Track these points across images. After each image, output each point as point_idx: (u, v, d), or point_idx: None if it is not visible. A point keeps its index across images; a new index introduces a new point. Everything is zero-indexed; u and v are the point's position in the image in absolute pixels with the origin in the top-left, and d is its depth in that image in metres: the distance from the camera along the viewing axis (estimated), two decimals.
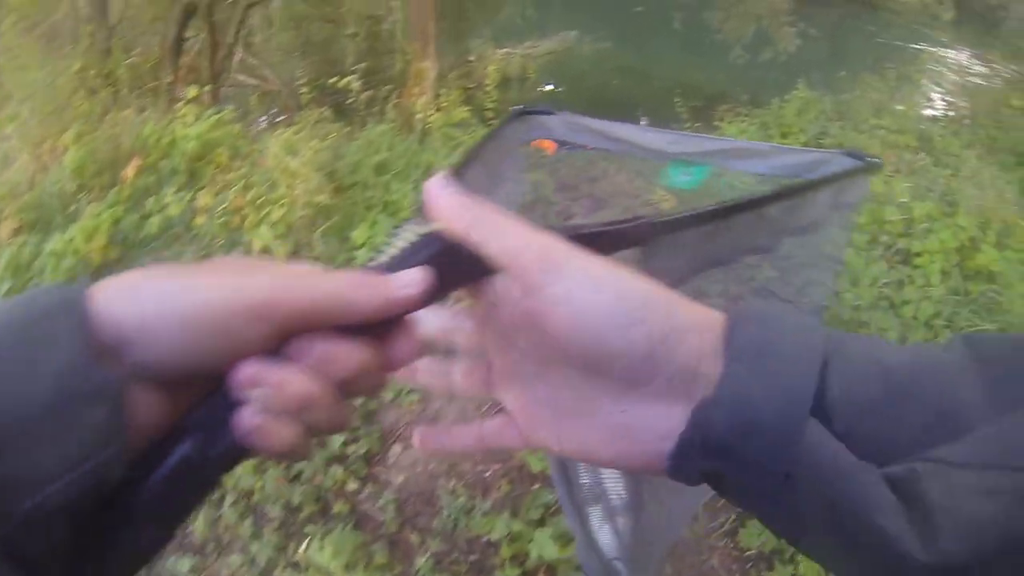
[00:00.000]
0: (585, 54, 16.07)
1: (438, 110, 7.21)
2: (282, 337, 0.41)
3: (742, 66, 13.65)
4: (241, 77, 11.95)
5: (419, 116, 6.56)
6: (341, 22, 11.91)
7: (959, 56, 24.75)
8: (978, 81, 16.90)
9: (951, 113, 10.57)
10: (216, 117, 5.90)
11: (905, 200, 5.01)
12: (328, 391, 0.42)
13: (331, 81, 7.24)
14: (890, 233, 4.92)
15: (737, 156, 1.40)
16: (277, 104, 12.87)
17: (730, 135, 6.85)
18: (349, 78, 7.15)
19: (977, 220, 4.93)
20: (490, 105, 8.09)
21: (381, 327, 0.44)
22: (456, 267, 0.45)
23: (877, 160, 1.19)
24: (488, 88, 8.07)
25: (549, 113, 1.43)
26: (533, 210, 4.93)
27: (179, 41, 9.89)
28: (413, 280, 0.43)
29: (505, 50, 15.81)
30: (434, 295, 0.45)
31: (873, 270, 4.56)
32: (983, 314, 4.39)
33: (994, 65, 18.13)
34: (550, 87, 15.91)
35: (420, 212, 0.49)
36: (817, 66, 19.75)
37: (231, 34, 9.94)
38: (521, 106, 1.41)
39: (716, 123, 7.47)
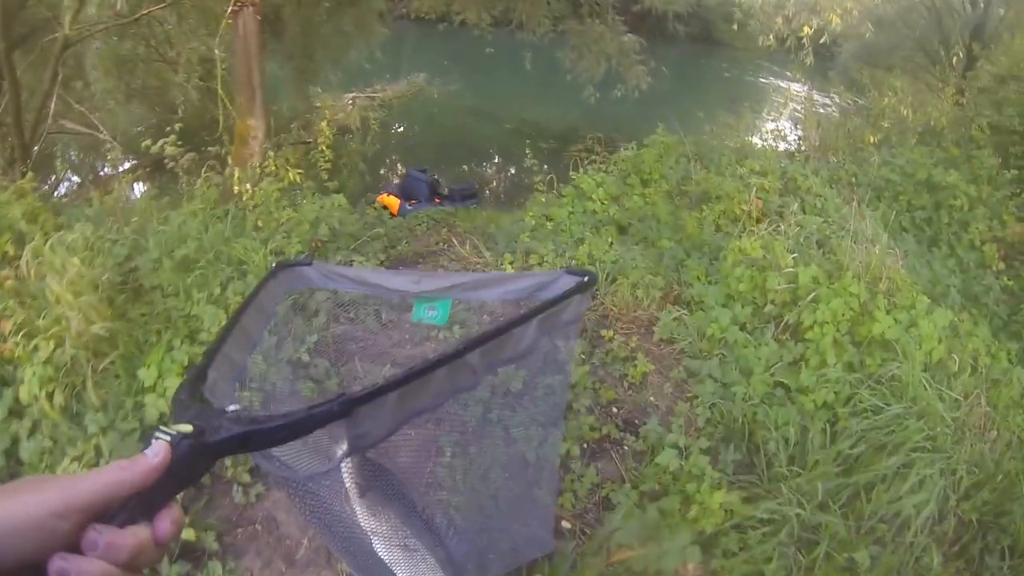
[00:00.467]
0: (435, 97, 15.44)
1: (264, 174, 6.23)
2: (83, 525, 0.60)
3: (594, 105, 13.19)
4: (70, 124, 10.59)
5: (237, 189, 5.52)
6: (174, 66, 10.60)
7: (802, 88, 25.74)
8: (823, 111, 17.35)
9: (804, 147, 10.33)
10: None
11: (791, 268, 4.36)
12: (116, 570, 0.60)
13: (144, 144, 6.13)
14: (775, 303, 4.28)
15: (472, 288, 1.51)
16: (105, 158, 11.47)
17: (587, 189, 6.17)
18: (164, 141, 6.07)
19: (865, 280, 4.37)
20: (324, 164, 7.17)
21: (154, 509, 0.65)
22: (187, 468, 0.69)
23: (588, 278, 1.30)
24: (322, 146, 7.14)
25: (307, 264, 1.49)
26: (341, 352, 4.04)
27: None
28: (158, 450, 0.67)
29: (352, 94, 15.01)
30: (181, 475, 0.69)
31: (763, 352, 3.88)
32: (886, 393, 3.79)
33: (833, 95, 18.71)
34: (399, 128, 15.26)
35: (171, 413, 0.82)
36: (670, 103, 19.89)
37: (47, 79, 8.55)
38: (281, 261, 1.50)
39: (572, 174, 6.78)
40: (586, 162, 7.19)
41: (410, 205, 8.97)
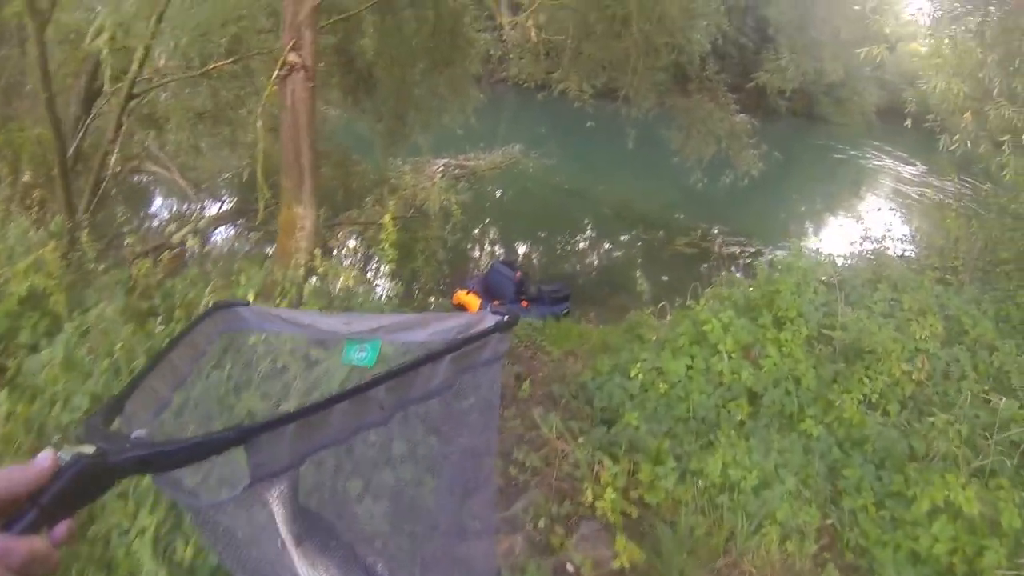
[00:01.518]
0: (530, 170, 14.20)
1: (308, 275, 5.13)
2: None
3: (699, 189, 11.84)
4: (155, 168, 9.72)
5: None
6: (242, 124, 9.61)
7: (913, 171, 23.88)
8: (948, 201, 15.56)
9: (954, 263, 8.52)
10: None
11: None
12: (10, 575, 0.61)
13: (167, 230, 5.10)
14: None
15: (401, 328, 1.47)
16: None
17: (711, 333, 4.77)
18: (186, 230, 5.04)
19: None
20: (389, 261, 5.94)
21: (52, 523, 0.68)
22: (87, 486, 0.71)
23: (508, 318, 1.23)
24: (385, 244, 5.85)
25: (244, 305, 1.43)
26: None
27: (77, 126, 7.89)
28: (46, 456, 0.69)
29: (443, 160, 13.94)
30: (80, 492, 0.70)
31: None
32: None
33: (949, 182, 16.75)
34: (489, 203, 14.16)
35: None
36: (779, 188, 18.43)
37: (111, 130, 7.78)
38: (218, 301, 1.56)
39: (690, 303, 5.46)
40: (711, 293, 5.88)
41: (495, 310, 7.67)
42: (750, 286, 5.67)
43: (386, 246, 5.82)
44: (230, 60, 7.64)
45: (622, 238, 13.77)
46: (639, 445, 3.75)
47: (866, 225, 9.35)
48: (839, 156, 26.00)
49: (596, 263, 12.84)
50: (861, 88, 31.04)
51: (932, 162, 24.29)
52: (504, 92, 19.30)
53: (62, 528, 0.69)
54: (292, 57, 5.15)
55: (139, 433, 0.89)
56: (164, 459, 0.75)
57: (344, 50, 10.12)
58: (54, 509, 0.67)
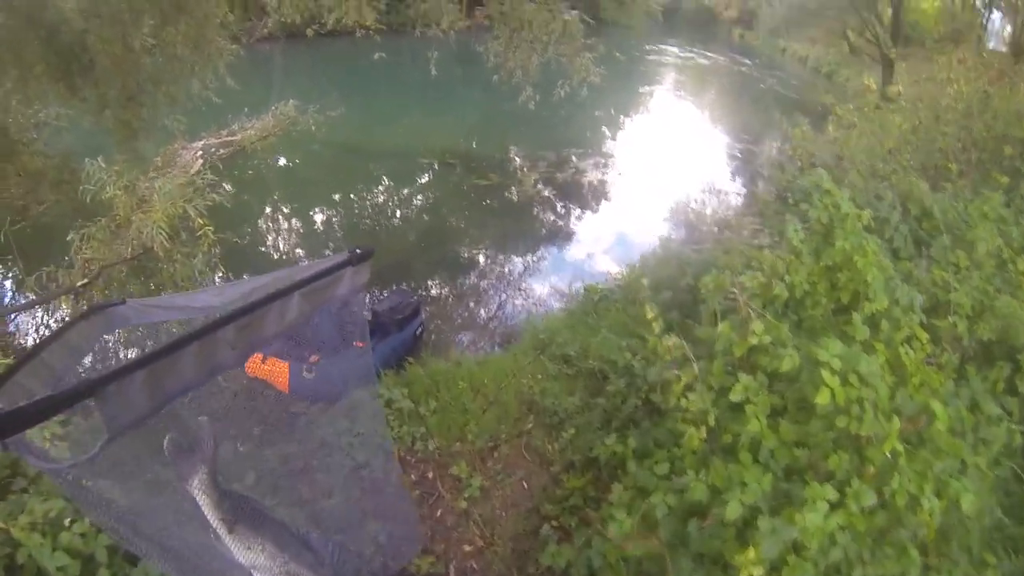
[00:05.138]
0: (312, 129, 11.33)
1: None
2: None
3: (534, 112, 9.62)
4: None
5: None
6: None
7: (744, 67, 23.50)
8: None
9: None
10: None
11: None
12: None
13: None
14: None
15: (271, 287, 1.38)
16: None
17: (828, 401, 2.16)
18: None
19: None
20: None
21: None
22: None
23: (361, 251, 1.29)
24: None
25: (120, 303, 1.48)
26: None
27: None
28: None
29: (202, 142, 10.94)
30: None
31: None
32: None
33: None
34: (267, 187, 11.23)
35: None
36: (618, 99, 16.65)
37: None
38: (93, 303, 1.62)
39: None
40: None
41: (309, 369, 4.50)
42: (779, 256, 3.10)
43: None
44: None
45: (451, 191, 11.31)
46: None
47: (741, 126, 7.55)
48: (653, 57, 24.97)
49: (428, 234, 10.30)
50: None
51: (740, 53, 24.10)
52: (271, 51, 17.07)
53: None
54: None
55: None
56: (11, 421, 0.73)
57: (38, 22, 7.09)
58: None
